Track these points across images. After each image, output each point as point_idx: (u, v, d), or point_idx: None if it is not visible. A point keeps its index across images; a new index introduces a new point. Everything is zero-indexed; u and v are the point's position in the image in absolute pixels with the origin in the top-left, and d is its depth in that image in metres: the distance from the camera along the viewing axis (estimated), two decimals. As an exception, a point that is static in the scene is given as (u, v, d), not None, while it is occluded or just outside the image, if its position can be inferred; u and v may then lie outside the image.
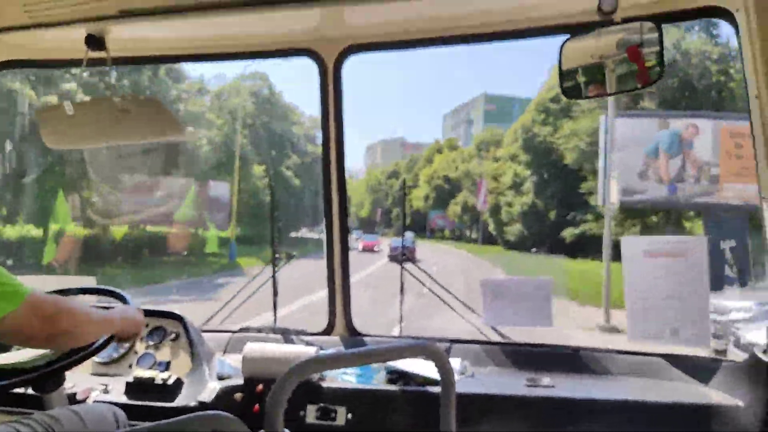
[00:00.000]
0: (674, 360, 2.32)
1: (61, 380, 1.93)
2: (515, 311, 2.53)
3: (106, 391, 2.24)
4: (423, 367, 2.24)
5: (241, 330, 2.76)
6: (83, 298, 2.27)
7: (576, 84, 2.13)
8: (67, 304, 1.56)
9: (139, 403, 2.17)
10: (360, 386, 2.18)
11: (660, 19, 1.92)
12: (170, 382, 2.22)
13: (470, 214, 45.02)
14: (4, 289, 1.41)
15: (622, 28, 1.95)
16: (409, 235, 28.26)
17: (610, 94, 2.10)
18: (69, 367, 1.83)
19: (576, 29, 2.04)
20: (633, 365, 2.35)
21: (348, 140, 2.50)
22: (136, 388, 2.22)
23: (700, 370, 2.24)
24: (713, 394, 2.08)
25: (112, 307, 1.95)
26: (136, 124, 2.19)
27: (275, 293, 2.90)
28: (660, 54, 1.93)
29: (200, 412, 1.17)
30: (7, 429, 1.56)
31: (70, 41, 2.30)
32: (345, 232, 2.64)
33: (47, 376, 1.83)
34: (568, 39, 2.03)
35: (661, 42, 1.92)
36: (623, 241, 2.42)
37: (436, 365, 1.58)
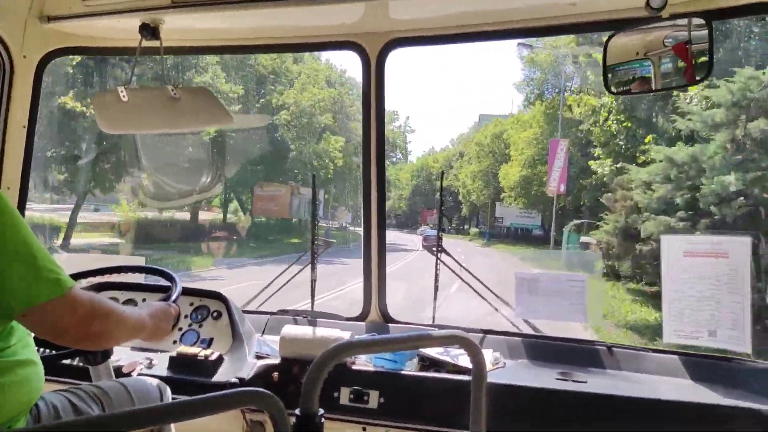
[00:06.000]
0: (710, 361, 2.29)
1: (109, 353, 2.04)
2: (548, 305, 2.54)
3: (150, 366, 2.35)
4: (454, 356, 2.27)
5: (280, 312, 2.85)
6: (134, 276, 2.38)
7: (621, 79, 2.11)
8: (103, 307, 1.49)
9: (182, 377, 2.27)
10: (392, 371, 2.23)
11: (710, 16, 1.88)
12: (212, 358, 2.31)
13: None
14: (49, 275, 1.37)
15: (671, 24, 1.92)
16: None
17: (655, 91, 2.07)
18: None
19: (622, 24, 2.02)
20: (667, 364, 2.33)
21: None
22: (179, 363, 2.32)
23: (737, 371, 2.20)
24: (750, 397, 2.03)
25: (167, 292, 2.00)
26: (187, 111, 2.29)
27: (313, 278, 2.97)
28: (709, 51, 1.89)
29: (240, 389, 1.23)
30: (58, 397, 1.65)
31: (125, 30, 2.40)
32: (383, 222, 2.68)
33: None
34: (613, 34, 2.01)
35: (710, 39, 1.88)
36: (663, 239, 2.38)
37: (468, 354, 1.61)
